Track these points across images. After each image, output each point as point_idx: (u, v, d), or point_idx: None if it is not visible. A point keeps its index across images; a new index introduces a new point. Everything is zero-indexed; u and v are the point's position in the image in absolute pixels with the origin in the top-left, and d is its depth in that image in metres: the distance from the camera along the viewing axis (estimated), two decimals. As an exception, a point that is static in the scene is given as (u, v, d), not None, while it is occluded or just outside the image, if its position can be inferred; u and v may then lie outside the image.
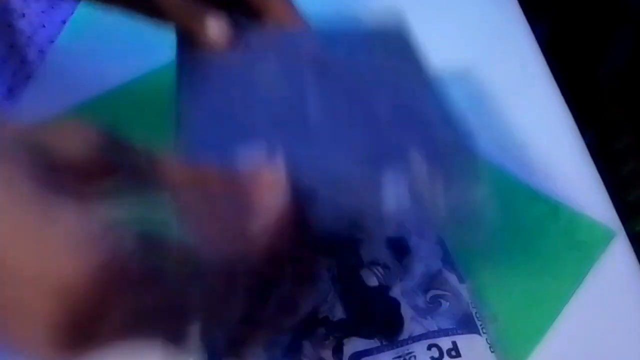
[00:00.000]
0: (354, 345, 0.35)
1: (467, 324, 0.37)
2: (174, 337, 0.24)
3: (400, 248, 0.38)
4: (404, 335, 0.35)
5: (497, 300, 0.39)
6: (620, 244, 0.43)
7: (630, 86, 1.02)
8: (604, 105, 1.05)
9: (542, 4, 0.98)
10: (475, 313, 0.37)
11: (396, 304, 0.36)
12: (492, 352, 0.36)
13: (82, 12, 0.55)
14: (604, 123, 1.04)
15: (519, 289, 0.40)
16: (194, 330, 0.24)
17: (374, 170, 0.26)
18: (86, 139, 0.23)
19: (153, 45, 0.53)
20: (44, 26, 0.54)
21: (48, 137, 0.22)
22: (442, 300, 0.37)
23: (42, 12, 0.54)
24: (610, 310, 0.41)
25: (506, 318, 0.39)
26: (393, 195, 0.25)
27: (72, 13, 0.56)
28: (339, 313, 0.36)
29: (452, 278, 0.38)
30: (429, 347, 0.35)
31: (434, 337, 0.36)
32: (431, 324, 0.36)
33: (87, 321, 0.20)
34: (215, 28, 0.33)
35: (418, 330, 0.36)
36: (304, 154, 0.27)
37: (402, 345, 0.35)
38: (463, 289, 0.38)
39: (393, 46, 0.33)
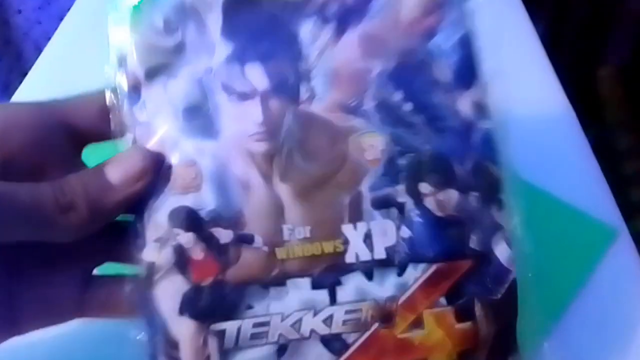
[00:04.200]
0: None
1: None
2: None
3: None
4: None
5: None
6: (623, 243, 0.42)
7: (633, 84, 1.02)
8: (607, 104, 1.05)
9: (544, 1, 0.98)
10: None
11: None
12: None
13: (79, 8, 0.55)
14: (606, 121, 1.04)
15: (520, 289, 0.40)
16: None
17: None
18: None
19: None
20: (40, 22, 0.53)
21: None
22: None
23: (39, 8, 0.53)
24: (613, 310, 0.40)
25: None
26: None
27: (68, 9, 0.55)
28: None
29: None
30: None
31: None
32: None
33: None
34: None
35: None
36: None
37: None
38: None
39: None
